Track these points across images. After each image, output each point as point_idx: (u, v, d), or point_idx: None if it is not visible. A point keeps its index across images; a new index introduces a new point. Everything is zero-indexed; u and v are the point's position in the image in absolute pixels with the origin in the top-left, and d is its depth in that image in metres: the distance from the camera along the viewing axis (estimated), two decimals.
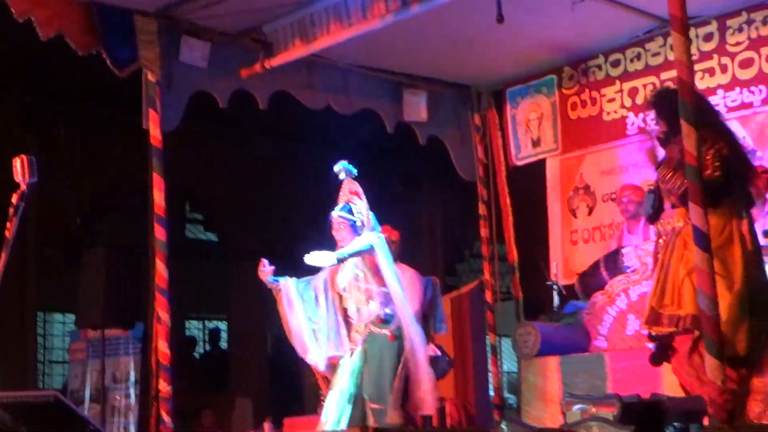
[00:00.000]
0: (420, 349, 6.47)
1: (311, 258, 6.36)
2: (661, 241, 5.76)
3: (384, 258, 6.46)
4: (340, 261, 6.42)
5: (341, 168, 6.65)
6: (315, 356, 6.58)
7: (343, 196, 6.65)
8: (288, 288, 6.60)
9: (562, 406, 3.89)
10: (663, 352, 5.60)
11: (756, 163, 7.59)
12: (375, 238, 6.50)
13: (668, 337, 5.52)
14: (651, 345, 5.64)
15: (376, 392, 6.40)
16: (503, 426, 3.89)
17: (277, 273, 6.65)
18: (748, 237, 5.52)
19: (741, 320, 5.34)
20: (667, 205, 5.76)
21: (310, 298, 6.61)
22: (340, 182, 6.67)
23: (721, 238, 5.39)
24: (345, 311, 6.60)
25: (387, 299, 6.50)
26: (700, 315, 5.09)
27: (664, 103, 5.68)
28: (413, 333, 6.47)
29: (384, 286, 6.48)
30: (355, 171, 6.64)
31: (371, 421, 6.28)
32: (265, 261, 6.63)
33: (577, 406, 3.83)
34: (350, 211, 6.55)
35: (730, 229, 5.48)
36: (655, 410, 3.67)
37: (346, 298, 6.59)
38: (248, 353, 12.36)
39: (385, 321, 6.52)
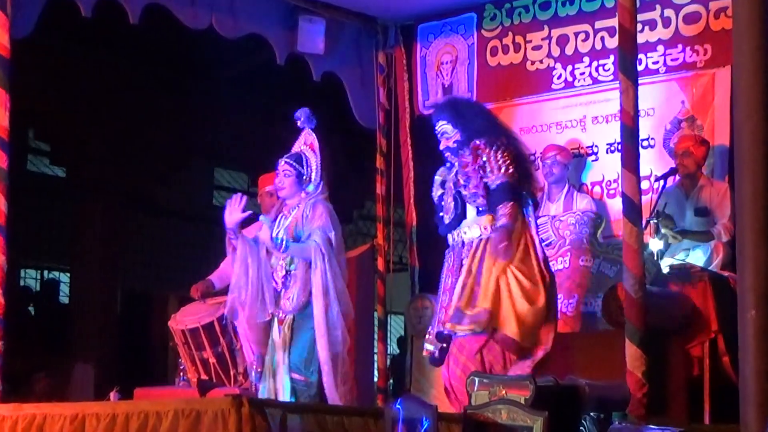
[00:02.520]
0: None
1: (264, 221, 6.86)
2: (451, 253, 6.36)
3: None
4: (279, 248, 6.77)
5: (302, 116, 7.00)
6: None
7: (297, 146, 7.01)
8: (244, 243, 6.90)
9: (467, 386, 3.92)
10: (445, 352, 6.11)
11: (690, 132, 7.82)
12: (320, 252, 6.75)
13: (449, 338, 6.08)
14: (433, 347, 6.18)
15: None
16: (398, 405, 3.89)
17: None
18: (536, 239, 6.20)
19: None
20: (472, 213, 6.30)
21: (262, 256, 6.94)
22: (300, 130, 7.00)
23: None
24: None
25: None
26: (494, 310, 5.84)
27: (459, 111, 6.46)
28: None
29: None
30: (314, 122, 7.00)
31: None
32: (237, 197, 6.89)
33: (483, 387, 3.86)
34: (300, 162, 6.91)
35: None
36: (572, 395, 3.74)
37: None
38: (94, 311, 12.16)
39: None
